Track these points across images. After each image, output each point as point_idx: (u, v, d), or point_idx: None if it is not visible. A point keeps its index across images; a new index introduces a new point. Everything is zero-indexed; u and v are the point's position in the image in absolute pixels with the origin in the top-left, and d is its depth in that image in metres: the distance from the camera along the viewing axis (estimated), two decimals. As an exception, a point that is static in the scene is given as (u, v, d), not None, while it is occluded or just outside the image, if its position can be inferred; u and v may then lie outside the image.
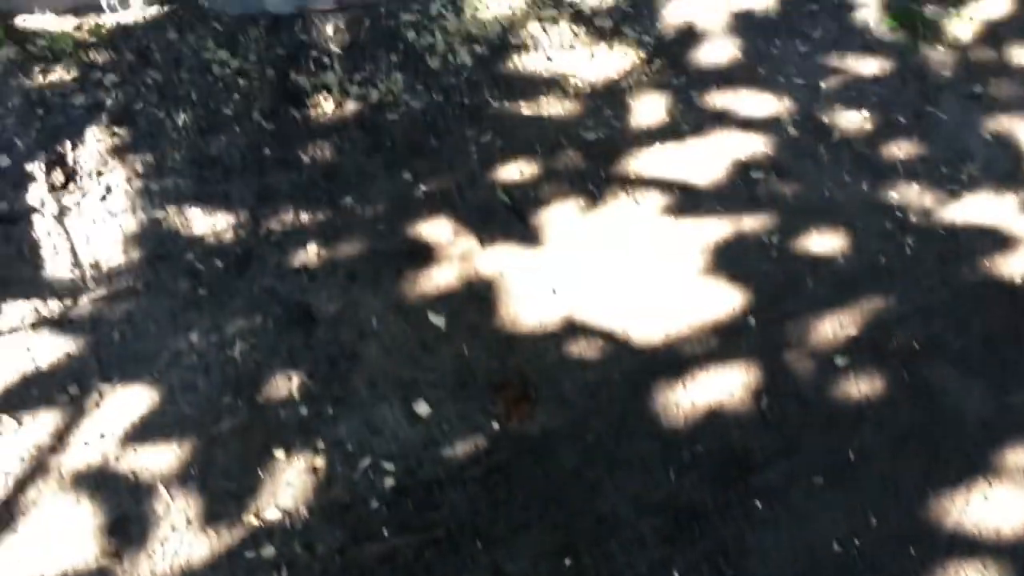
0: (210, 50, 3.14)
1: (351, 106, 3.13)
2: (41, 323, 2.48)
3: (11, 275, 2.57)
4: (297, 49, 3.24)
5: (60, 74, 2.98)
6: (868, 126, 3.19)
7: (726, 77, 3.30)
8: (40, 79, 2.96)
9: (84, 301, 2.54)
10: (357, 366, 2.47)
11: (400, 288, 2.64)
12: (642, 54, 3.36)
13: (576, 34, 3.39)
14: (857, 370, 2.58)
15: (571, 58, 3.32)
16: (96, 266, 2.61)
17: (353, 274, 2.67)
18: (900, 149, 3.14)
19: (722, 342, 2.61)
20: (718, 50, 3.37)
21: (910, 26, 3.44)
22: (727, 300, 2.70)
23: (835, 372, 2.57)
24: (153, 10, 3.17)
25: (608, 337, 2.59)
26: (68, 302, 2.53)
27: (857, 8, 3.50)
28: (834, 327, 2.66)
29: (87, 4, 3.10)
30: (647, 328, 2.62)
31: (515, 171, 2.97)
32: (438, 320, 2.57)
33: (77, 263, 2.61)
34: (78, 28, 3.09)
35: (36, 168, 2.77)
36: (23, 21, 3.07)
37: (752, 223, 2.88)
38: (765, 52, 3.37)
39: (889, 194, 3.02)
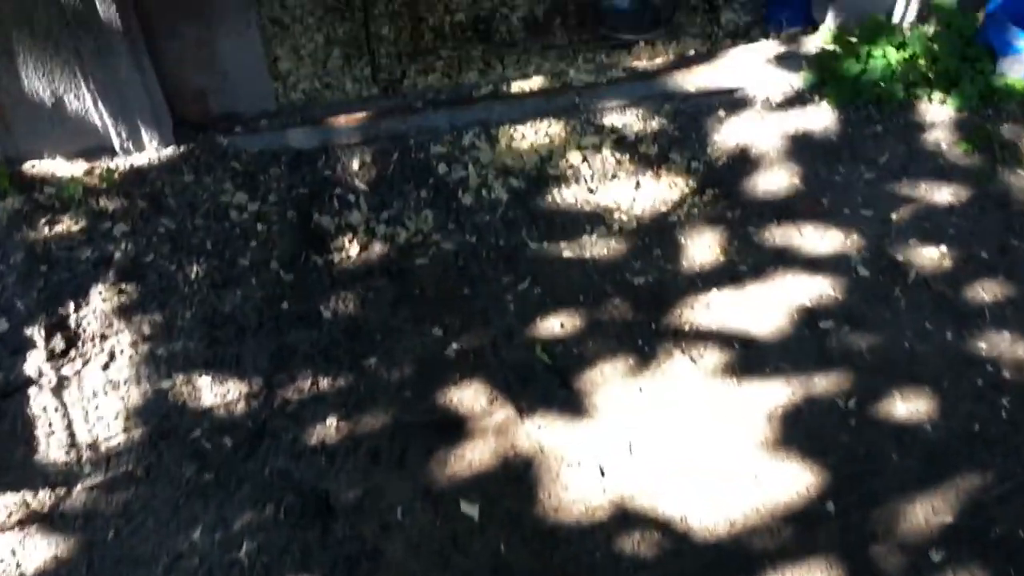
0: (228, 192, 2.93)
1: (377, 248, 2.89)
2: (30, 519, 2.22)
3: (2, 459, 2.33)
4: (321, 187, 3.02)
5: (67, 225, 2.78)
6: (947, 263, 2.88)
7: (785, 209, 3.01)
8: (46, 231, 2.76)
9: (78, 490, 2.28)
10: (380, 567, 2.17)
11: (428, 469, 2.35)
12: (692, 183, 3.09)
13: (620, 162, 3.14)
14: (956, 566, 2.22)
15: (615, 189, 3.07)
16: (94, 446, 2.36)
17: (376, 452, 2.38)
18: (985, 290, 2.82)
19: (797, 533, 2.27)
20: (775, 178, 3.10)
21: (986, 148, 3.14)
22: (800, 480, 2.36)
23: (931, 570, 2.22)
24: (169, 151, 2.98)
25: (664, 528, 2.27)
26: (61, 491, 2.28)
27: (927, 129, 3.21)
28: (926, 512, 2.31)
29: (99, 147, 2.93)
30: (709, 516, 2.29)
31: (556, 324, 2.69)
32: (471, 509, 2.27)
33: (73, 443, 2.36)
34: (88, 173, 2.91)
35: (36, 332, 2.56)
36: (32, 168, 2.89)
37: (824, 384, 2.56)
38: (827, 180, 3.09)
39: (977, 344, 2.68)
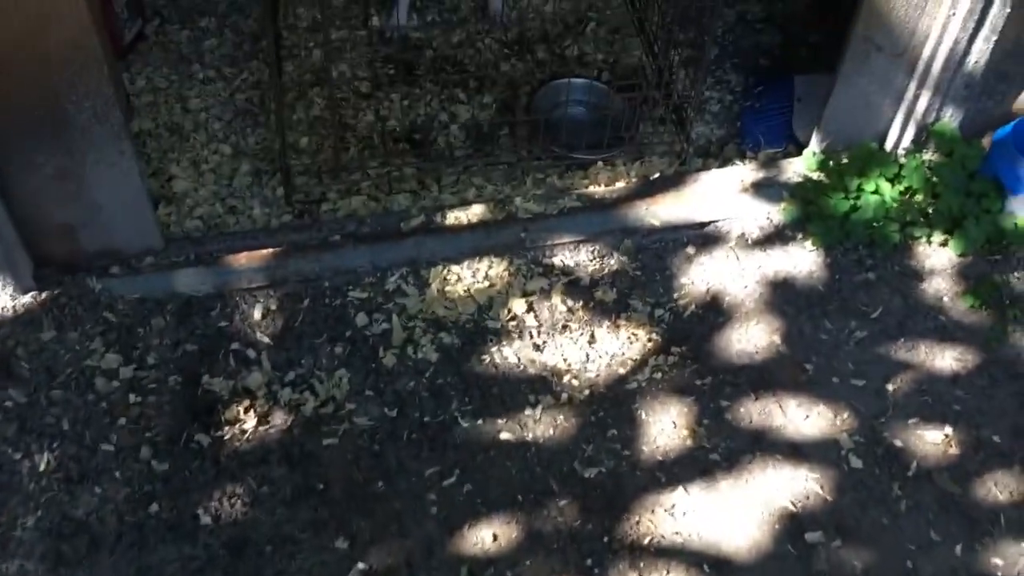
0: (96, 354, 2.42)
1: (279, 420, 2.40)
2: None
3: None
4: (214, 342, 2.52)
5: None
6: (953, 450, 2.44)
7: (764, 377, 2.56)
8: None
9: None
10: None
11: None
12: (656, 336, 2.64)
13: (572, 311, 2.68)
14: None
15: (565, 346, 2.60)
16: None
17: None
18: (999, 486, 2.38)
19: None
20: (752, 335, 2.65)
21: (995, 303, 2.72)
22: None
23: None
24: (27, 299, 2.47)
25: None
26: None
27: (925, 277, 2.78)
28: None
29: (-60, 295, 2.42)
30: None
31: (487, 535, 2.21)
32: None
33: None
34: (-76, 329, 2.40)
35: None
36: None
37: (812, 624, 2.11)
38: (812, 339, 2.65)
39: (991, 561, 2.24)
